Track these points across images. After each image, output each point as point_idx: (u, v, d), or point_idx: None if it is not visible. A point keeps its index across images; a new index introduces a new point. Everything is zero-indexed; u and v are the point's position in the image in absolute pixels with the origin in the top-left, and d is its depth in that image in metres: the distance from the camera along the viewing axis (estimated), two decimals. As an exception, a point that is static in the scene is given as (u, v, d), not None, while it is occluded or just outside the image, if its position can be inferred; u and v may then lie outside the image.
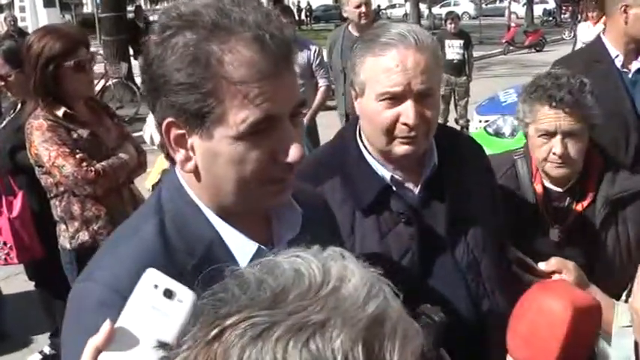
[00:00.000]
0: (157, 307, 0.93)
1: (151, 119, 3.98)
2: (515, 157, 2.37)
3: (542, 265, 1.93)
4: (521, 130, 2.35)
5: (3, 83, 4.04)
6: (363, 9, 6.12)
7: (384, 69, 1.69)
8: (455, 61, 10.95)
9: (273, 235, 1.29)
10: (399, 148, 1.75)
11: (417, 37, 1.70)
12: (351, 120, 2.01)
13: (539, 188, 2.29)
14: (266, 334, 0.65)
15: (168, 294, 0.93)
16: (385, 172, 1.82)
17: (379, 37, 1.72)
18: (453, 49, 10.96)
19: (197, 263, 1.13)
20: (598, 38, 3.35)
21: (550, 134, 2.13)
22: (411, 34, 1.70)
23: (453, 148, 1.90)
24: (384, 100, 1.70)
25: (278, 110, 1.11)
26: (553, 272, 1.92)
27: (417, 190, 1.84)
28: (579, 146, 2.14)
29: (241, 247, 1.20)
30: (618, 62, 3.20)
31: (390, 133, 1.73)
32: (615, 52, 3.20)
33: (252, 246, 1.21)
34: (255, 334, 0.66)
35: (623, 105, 3.11)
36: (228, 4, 1.10)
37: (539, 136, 2.16)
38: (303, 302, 0.68)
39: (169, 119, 1.13)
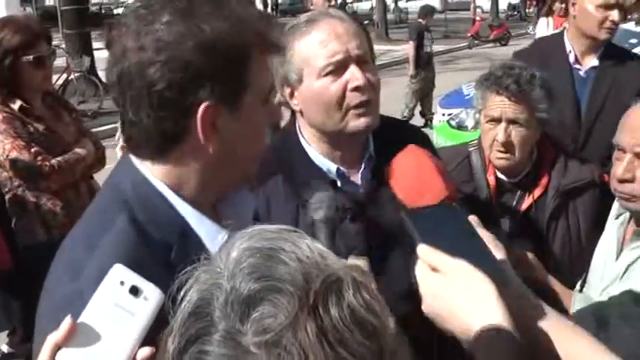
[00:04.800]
0: (122, 304, 0.91)
1: None
2: (470, 149, 2.41)
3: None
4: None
5: None
6: (330, 2, 6.11)
7: (318, 43, 1.67)
8: (428, 54, 11.16)
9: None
10: (356, 122, 1.70)
11: (333, 11, 1.77)
12: (291, 117, 1.98)
13: (491, 179, 2.32)
14: None
15: (135, 291, 0.91)
16: (331, 166, 1.79)
17: (298, 22, 1.74)
18: (426, 42, 11.11)
19: (175, 255, 1.11)
20: (560, 32, 3.37)
21: (495, 120, 2.18)
22: (328, 10, 1.75)
23: (394, 138, 1.82)
24: (327, 74, 1.68)
25: None
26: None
27: (360, 184, 1.81)
28: (523, 135, 2.17)
29: (212, 235, 1.18)
30: (571, 58, 3.20)
31: (341, 105, 1.69)
32: (570, 47, 3.21)
33: (222, 234, 1.17)
34: None
35: (565, 100, 3.07)
36: None
37: (486, 122, 2.21)
38: None
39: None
